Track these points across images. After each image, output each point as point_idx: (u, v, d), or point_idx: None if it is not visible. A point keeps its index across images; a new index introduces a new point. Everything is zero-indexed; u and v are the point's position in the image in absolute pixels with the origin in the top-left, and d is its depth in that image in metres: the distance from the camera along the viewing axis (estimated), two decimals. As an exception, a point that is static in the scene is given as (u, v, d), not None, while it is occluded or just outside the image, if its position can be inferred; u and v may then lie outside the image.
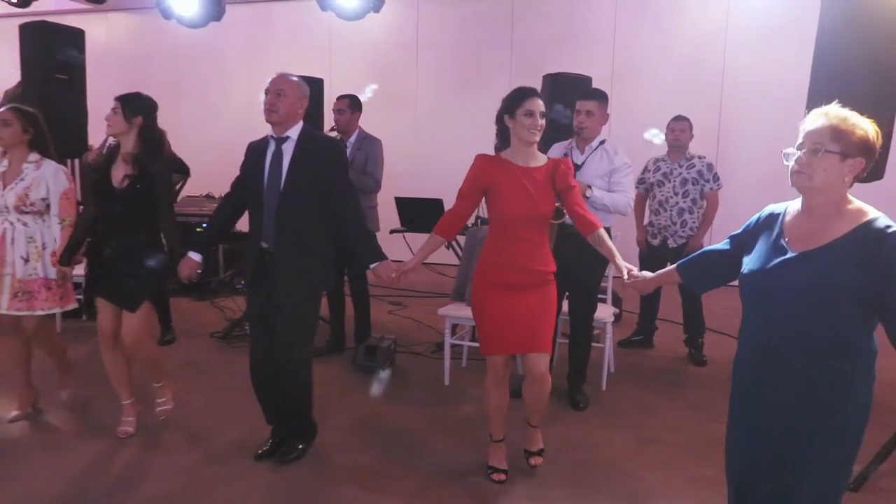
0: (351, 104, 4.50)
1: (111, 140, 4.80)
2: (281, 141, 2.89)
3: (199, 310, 5.83)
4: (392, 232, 5.07)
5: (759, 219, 1.93)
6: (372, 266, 2.90)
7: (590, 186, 3.49)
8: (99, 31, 8.75)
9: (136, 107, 3.12)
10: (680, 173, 4.56)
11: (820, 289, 1.68)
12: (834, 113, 1.71)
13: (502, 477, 2.95)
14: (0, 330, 3.34)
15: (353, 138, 4.50)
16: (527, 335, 2.78)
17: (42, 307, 3.28)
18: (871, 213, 1.71)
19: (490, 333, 2.83)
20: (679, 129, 4.59)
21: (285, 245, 2.88)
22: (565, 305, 3.83)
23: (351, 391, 3.99)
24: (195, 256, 3.03)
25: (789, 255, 1.75)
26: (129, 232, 3.10)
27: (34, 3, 6.39)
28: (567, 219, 3.47)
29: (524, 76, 7.50)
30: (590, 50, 7.25)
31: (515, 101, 2.73)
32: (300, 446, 3.09)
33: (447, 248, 5.28)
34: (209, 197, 6.62)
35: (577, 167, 3.61)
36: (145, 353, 3.29)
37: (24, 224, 3.27)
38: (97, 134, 5.78)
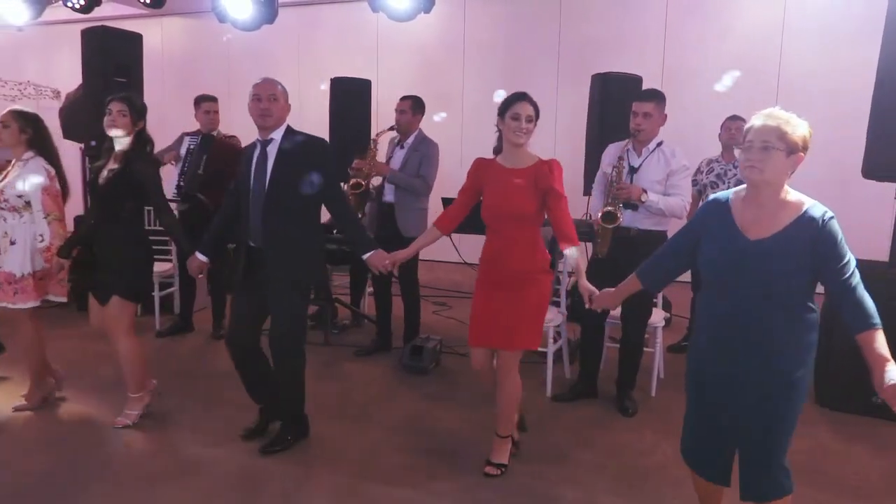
0: (413, 105, 4.50)
1: (189, 139, 4.96)
2: (266, 143, 3.01)
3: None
4: (438, 232, 5.07)
5: (704, 210, 2.16)
6: (365, 256, 3.02)
7: (645, 191, 3.43)
8: (155, 36, 8.97)
9: (142, 111, 3.27)
10: (735, 174, 4.42)
11: (778, 270, 1.94)
12: (778, 115, 1.99)
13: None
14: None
15: (410, 139, 4.51)
16: (502, 332, 2.87)
17: (6, 300, 3.38)
18: (807, 202, 1.99)
19: (472, 325, 2.98)
20: (735, 128, 4.46)
21: (273, 243, 2.99)
22: (616, 309, 3.76)
23: (397, 391, 4.00)
24: (201, 257, 3.19)
25: (746, 242, 1.99)
26: (108, 226, 3.24)
27: (95, 9, 6.58)
28: (621, 222, 3.41)
29: (572, 76, 7.45)
30: (640, 49, 7.12)
31: (505, 104, 2.85)
32: (288, 437, 3.18)
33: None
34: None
35: (634, 170, 3.55)
36: (123, 350, 3.31)
37: (3, 219, 3.41)
38: (154, 134, 5.96)
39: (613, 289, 2.49)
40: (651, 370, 3.99)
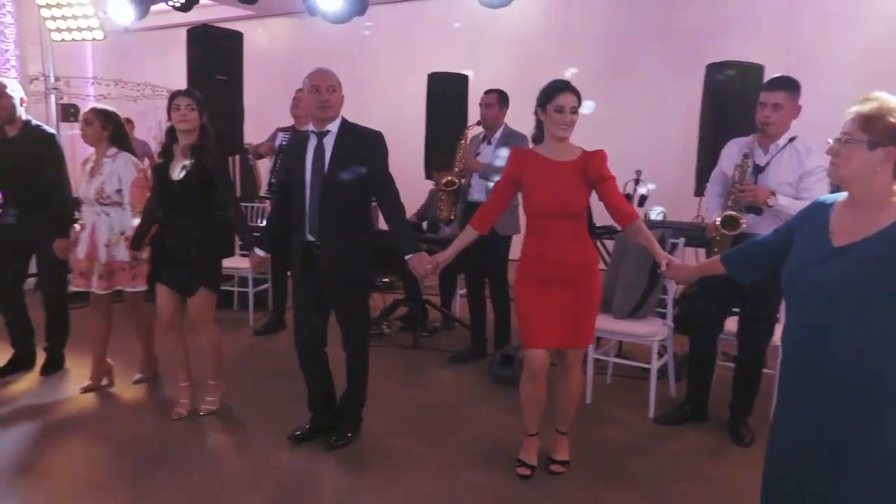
0: (499, 99, 4.31)
1: (281, 135, 4.99)
2: (322, 135, 2.95)
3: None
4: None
5: (805, 211, 1.89)
6: (407, 257, 2.89)
7: (773, 194, 3.02)
8: (260, 37, 9.25)
9: (204, 104, 3.30)
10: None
11: (858, 283, 1.61)
12: (872, 99, 1.65)
13: (528, 472, 2.91)
14: (95, 307, 3.76)
15: (497, 134, 4.30)
16: (566, 330, 2.76)
17: (125, 285, 3.65)
18: None
19: (529, 327, 2.79)
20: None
21: (330, 237, 2.94)
22: (732, 323, 3.37)
23: (484, 402, 3.77)
24: (260, 253, 3.24)
25: (828, 247, 1.69)
26: (184, 220, 3.28)
27: (202, 13, 6.79)
28: (744, 228, 3.04)
29: (683, 65, 6.92)
30: (761, 33, 6.51)
31: (547, 95, 2.68)
32: (349, 434, 3.18)
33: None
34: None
35: (760, 169, 3.13)
36: (208, 337, 3.44)
37: (107, 214, 3.60)
38: (254, 133, 6.06)
39: (692, 264, 2.42)
40: (771, 394, 3.54)
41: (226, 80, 5.24)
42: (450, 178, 4.36)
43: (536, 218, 2.76)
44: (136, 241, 3.50)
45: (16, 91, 3.78)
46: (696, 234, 4.03)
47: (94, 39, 5.82)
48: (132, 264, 3.60)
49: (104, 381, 3.88)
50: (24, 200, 3.80)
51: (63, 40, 5.60)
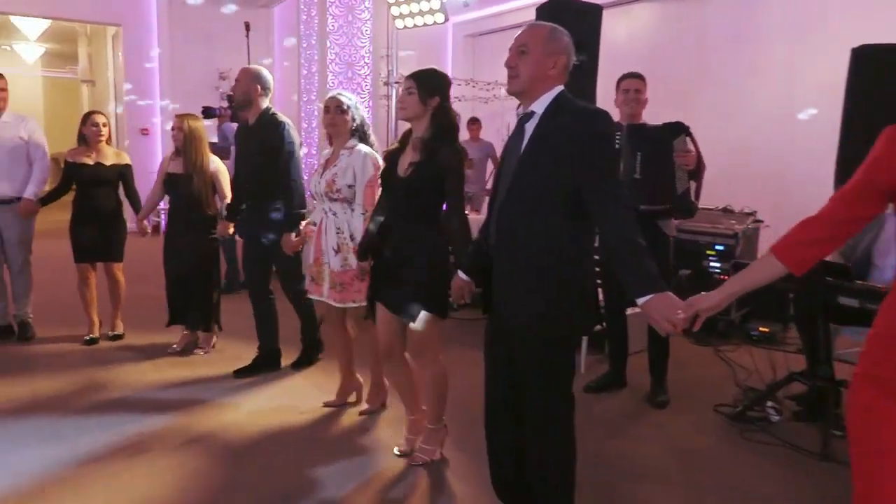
0: None
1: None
2: (525, 118, 2.13)
3: (701, 360, 4.50)
4: None
5: None
6: (641, 301, 1.85)
7: None
8: (620, 25, 8.45)
9: (434, 86, 2.71)
10: None
11: None
12: None
13: None
14: (329, 319, 3.43)
15: None
16: None
17: (355, 298, 3.20)
18: None
19: (869, 485, 1.47)
20: None
21: (504, 262, 2.13)
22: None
23: None
24: (463, 277, 2.44)
25: None
26: (408, 229, 2.74)
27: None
28: None
29: None
30: None
31: None
32: None
33: None
34: (726, 211, 5.26)
35: None
36: (430, 372, 2.84)
37: (334, 213, 3.23)
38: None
39: None
40: None
41: (581, 60, 4.33)
42: None
43: None
44: (364, 251, 2.99)
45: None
46: None
47: (434, 23, 5.54)
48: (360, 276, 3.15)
49: (352, 398, 3.59)
50: (258, 192, 3.70)
51: (405, 27, 5.48)
